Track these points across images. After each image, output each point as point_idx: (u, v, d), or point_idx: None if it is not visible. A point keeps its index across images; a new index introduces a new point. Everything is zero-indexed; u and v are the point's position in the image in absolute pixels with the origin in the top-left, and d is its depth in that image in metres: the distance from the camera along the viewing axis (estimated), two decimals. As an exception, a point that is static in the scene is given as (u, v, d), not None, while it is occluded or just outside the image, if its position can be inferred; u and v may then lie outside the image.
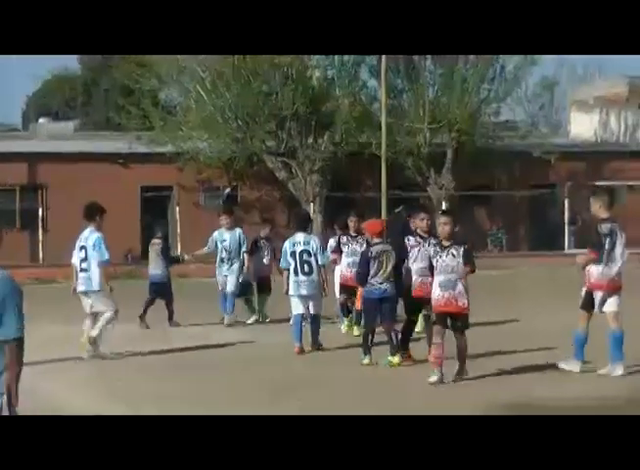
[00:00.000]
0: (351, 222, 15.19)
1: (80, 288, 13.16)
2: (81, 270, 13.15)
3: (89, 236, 13.08)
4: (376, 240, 12.29)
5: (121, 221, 27.17)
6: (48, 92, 48.75)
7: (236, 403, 9.79)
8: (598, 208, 11.27)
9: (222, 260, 16.61)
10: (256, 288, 17.26)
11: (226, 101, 32.16)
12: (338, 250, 15.10)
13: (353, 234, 15.04)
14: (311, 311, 13.64)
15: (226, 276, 16.71)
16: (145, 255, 19.27)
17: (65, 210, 29.15)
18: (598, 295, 11.09)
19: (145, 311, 16.49)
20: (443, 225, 10.93)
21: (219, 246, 16.74)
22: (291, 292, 13.59)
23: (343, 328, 15.20)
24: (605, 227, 11.12)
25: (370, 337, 12.45)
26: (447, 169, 33.67)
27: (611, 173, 34.83)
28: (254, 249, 17.15)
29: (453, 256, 10.67)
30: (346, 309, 15.21)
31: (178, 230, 32.29)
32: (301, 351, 13.29)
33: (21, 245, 30.78)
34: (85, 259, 13.07)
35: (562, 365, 11.37)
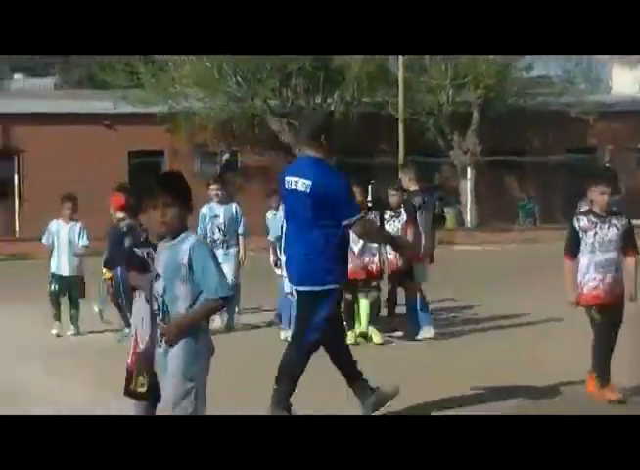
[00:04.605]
0: (394, 196, 12.67)
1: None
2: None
3: None
4: (120, 215, 11.08)
5: (107, 191, 25.47)
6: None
7: None
8: (408, 180, 12.39)
9: (215, 243, 13.28)
10: None
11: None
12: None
13: (397, 210, 12.59)
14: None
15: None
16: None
17: (43, 177, 29.42)
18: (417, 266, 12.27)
19: None
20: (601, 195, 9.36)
21: (209, 225, 13.57)
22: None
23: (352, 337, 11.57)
24: (417, 199, 12.22)
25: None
26: (473, 131, 32.76)
27: (658, 135, 35.09)
28: None
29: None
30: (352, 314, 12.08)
31: (170, 200, 31.44)
32: None
33: (-7, 217, 30.63)
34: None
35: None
